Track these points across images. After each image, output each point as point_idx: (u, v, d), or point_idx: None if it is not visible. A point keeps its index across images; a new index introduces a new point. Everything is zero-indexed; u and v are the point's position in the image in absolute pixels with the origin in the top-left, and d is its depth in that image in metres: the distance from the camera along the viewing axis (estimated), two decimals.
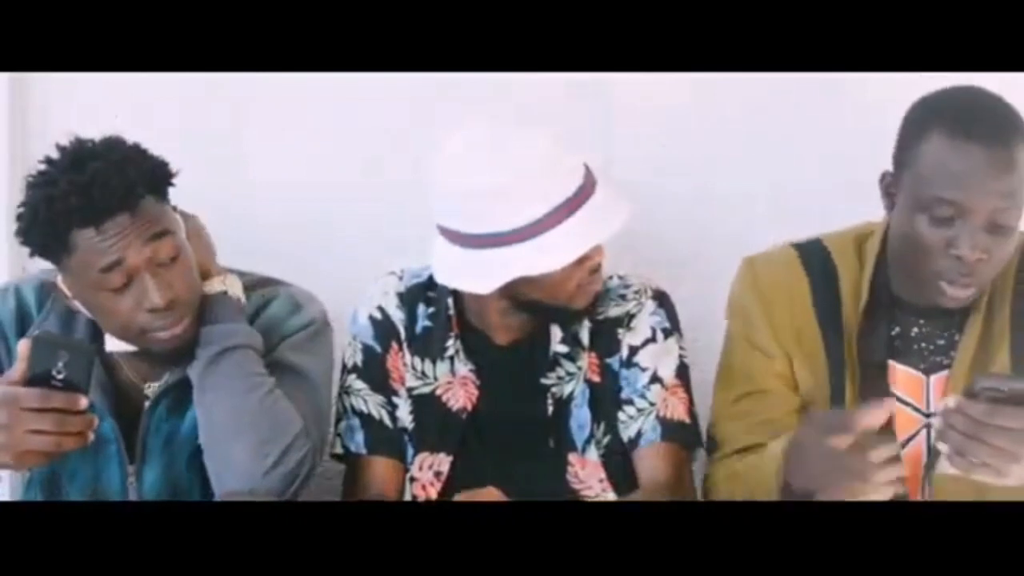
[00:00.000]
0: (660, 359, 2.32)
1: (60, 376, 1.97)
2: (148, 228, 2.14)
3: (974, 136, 2.02)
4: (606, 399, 2.32)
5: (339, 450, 2.37)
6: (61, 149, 2.16)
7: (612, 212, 2.23)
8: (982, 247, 2.05)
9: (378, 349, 2.36)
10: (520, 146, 2.20)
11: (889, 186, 2.15)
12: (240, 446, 2.17)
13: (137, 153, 2.17)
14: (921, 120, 2.10)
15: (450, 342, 2.34)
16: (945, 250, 2.06)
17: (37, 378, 1.98)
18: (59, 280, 2.20)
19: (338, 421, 2.38)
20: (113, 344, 2.23)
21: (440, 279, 2.30)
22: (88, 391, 1.99)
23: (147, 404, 2.26)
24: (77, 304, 2.20)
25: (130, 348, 2.23)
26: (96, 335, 2.26)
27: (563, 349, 2.32)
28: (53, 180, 2.12)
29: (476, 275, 2.22)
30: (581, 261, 2.23)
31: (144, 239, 2.13)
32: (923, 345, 2.20)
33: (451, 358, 2.34)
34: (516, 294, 2.26)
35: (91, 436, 2.00)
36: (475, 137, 2.23)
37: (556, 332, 2.32)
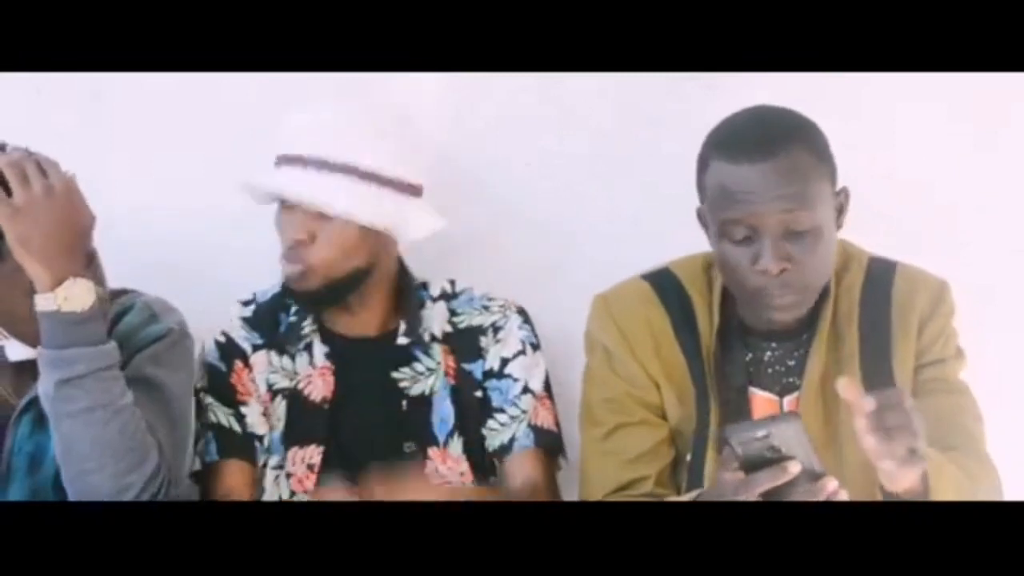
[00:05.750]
0: (531, 371, 2.44)
1: None
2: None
3: (744, 154, 2.09)
4: (464, 403, 2.42)
5: (197, 467, 2.39)
6: None
7: (411, 220, 2.36)
8: (785, 256, 2.10)
9: (223, 368, 2.43)
10: (371, 121, 2.37)
11: (701, 218, 2.22)
12: (100, 476, 2.12)
13: None
14: (704, 152, 2.16)
15: (306, 323, 2.41)
16: (752, 267, 2.12)
17: None
18: None
19: (196, 441, 2.39)
20: (17, 353, 2.17)
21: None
22: None
23: (11, 418, 2.20)
24: None
25: (34, 355, 2.15)
26: None
27: (404, 341, 2.41)
28: None
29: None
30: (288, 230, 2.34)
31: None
32: (776, 368, 2.24)
33: (309, 346, 2.41)
34: None
35: None
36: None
37: (402, 326, 2.42)
